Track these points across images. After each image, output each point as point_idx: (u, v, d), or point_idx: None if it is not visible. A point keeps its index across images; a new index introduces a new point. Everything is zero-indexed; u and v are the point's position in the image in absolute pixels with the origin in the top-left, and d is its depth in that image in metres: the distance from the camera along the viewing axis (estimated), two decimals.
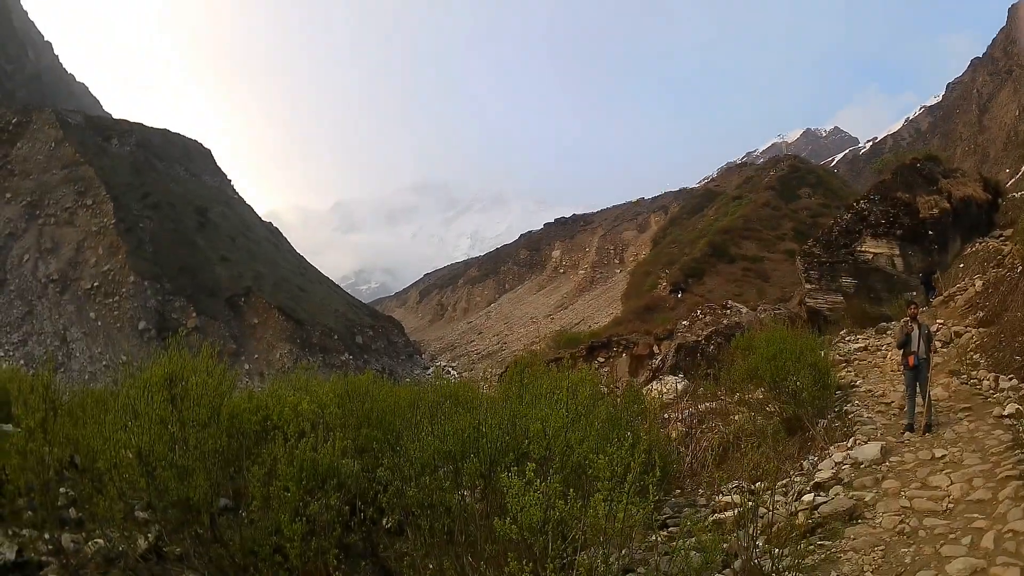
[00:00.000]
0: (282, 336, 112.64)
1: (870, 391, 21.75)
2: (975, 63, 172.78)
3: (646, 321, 66.45)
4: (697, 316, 54.67)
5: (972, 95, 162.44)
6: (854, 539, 10.48)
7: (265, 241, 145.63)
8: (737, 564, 9.79)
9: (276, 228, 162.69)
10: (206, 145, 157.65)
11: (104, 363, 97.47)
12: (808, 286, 46.18)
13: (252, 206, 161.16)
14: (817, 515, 11.74)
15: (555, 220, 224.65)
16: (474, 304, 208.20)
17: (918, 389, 16.92)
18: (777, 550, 9.53)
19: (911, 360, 17.23)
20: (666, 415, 24.67)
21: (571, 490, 7.89)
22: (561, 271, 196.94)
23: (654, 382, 39.48)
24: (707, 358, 38.55)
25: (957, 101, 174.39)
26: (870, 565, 9.56)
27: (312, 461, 9.44)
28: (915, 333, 17.66)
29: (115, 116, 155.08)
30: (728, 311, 53.73)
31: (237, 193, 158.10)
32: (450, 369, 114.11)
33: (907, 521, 10.80)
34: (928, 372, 17.56)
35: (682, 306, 70.04)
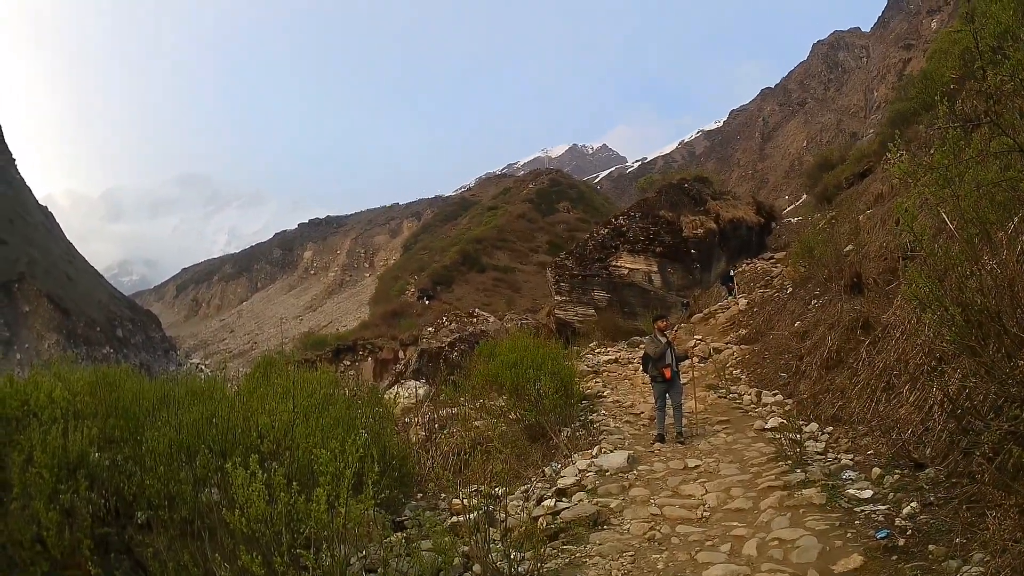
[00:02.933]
0: (50, 326, 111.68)
1: (618, 402, 21.98)
2: (765, 92, 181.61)
3: (392, 326, 66.97)
4: (443, 323, 54.82)
5: (757, 123, 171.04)
6: (600, 544, 10.13)
7: (40, 226, 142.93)
8: (476, 567, 9.47)
9: (51, 212, 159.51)
10: None
11: None
12: (558, 298, 46.69)
13: (31, 188, 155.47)
14: (559, 520, 11.38)
15: (309, 221, 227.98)
16: (227, 302, 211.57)
17: (669, 400, 16.91)
18: (515, 553, 9.18)
19: (667, 372, 17.06)
20: (406, 419, 24.44)
21: (294, 483, 7.87)
22: (312, 272, 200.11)
23: (397, 386, 39.13)
24: (450, 364, 38.41)
25: (739, 128, 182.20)
26: (619, 570, 9.22)
27: (63, 448, 9.24)
28: (669, 347, 17.52)
29: None
30: (475, 319, 53.99)
31: (20, 174, 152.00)
32: (203, 367, 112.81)
33: (658, 528, 10.54)
34: (679, 384, 17.51)
35: (429, 313, 70.53)
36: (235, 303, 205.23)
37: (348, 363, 55.72)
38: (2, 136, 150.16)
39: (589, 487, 13.02)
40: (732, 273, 38.67)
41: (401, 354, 54.68)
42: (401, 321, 68.85)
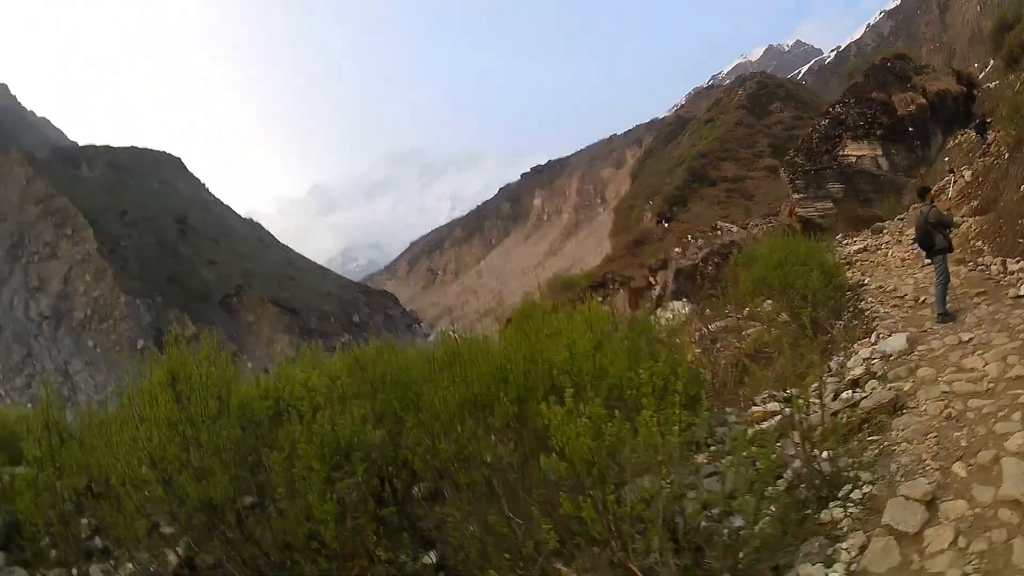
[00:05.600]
0: (279, 328, 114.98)
1: (881, 287, 21.56)
2: None
3: (637, 255, 66.57)
4: (689, 241, 54.53)
5: None
6: (903, 430, 10.24)
7: (249, 237, 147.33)
8: (789, 473, 9.54)
9: (258, 223, 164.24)
10: (175, 153, 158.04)
11: (110, 390, 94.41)
12: (796, 196, 46.10)
13: (230, 205, 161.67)
14: (859, 411, 11.46)
15: (532, 169, 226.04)
16: (463, 265, 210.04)
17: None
18: (828, 452, 9.34)
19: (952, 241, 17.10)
20: (676, 340, 24.60)
21: (616, 411, 7.37)
22: (545, 219, 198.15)
23: (659, 311, 39.20)
24: (708, 279, 38.36)
25: (917, 2, 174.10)
26: (927, 452, 9.31)
27: (332, 435, 8.94)
28: None
29: (81, 143, 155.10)
30: (719, 232, 53.56)
31: (212, 195, 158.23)
32: (451, 333, 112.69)
33: (952, 405, 10.54)
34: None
35: (670, 235, 70.19)
36: (472, 264, 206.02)
37: (600, 299, 55.55)
38: (185, 167, 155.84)
39: (879, 374, 13.11)
40: (988, 120, 36.45)
41: (652, 280, 54.61)
42: (644, 248, 68.48)
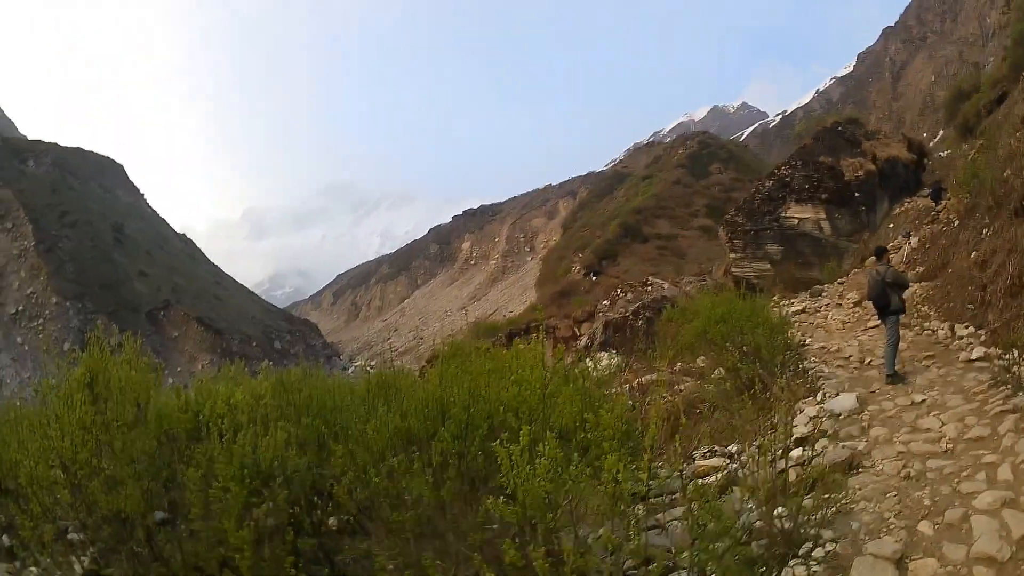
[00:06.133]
0: (203, 347, 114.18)
1: (823, 348, 21.63)
2: (887, 32, 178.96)
3: (563, 306, 66.50)
4: (618, 295, 54.53)
5: (885, 63, 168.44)
6: (861, 489, 10.09)
7: (181, 253, 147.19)
8: (737, 529, 9.14)
9: (191, 240, 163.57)
10: (118, 160, 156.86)
11: (34, 388, 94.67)
12: (733, 255, 46.35)
13: (166, 219, 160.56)
14: (811, 469, 10.99)
15: (463, 212, 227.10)
16: (388, 302, 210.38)
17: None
18: (783, 508, 8.97)
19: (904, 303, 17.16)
20: (606, 392, 24.35)
21: (575, 454, 7.07)
22: (472, 263, 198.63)
23: (586, 361, 39.10)
24: (637, 332, 38.29)
25: (869, 70, 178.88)
26: (890, 511, 9.15)
27: (253, 457, 8.35)
28: None
29: (30, 137, 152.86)
30: (650, 287, 53.61)
31: (151, 207, 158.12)
32: (370, 369, 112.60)
33: (910, 465, 10.45)
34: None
35: (598, 288, 70.22)
36: (396, 302, 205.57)
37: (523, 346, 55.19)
38: (127, 175, 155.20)
39: (829, 432, 12.96)
40: (943, 186, 36.40)
41: (577, 331, 54.55)
42: (571, 299, 68.43)
